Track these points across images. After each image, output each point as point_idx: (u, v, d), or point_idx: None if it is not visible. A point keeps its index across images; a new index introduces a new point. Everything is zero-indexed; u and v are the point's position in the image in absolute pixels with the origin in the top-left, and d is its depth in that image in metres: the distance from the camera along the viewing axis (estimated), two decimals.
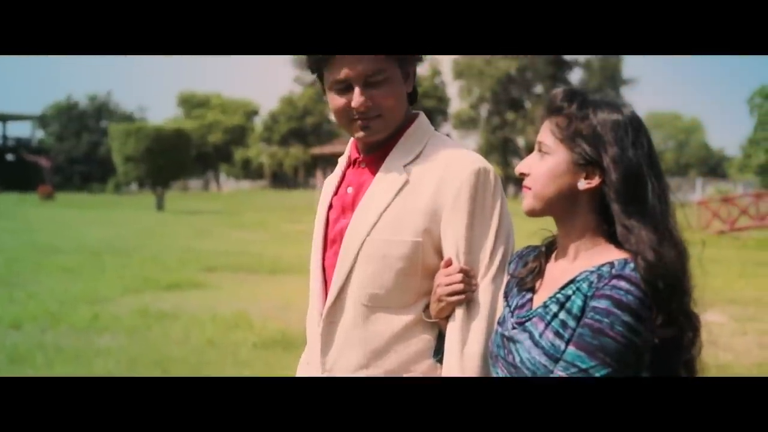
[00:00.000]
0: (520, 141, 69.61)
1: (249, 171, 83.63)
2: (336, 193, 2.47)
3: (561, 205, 2.04)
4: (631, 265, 1.91)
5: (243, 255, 17.18)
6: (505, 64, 66.93)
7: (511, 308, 2.13)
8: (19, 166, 65.68)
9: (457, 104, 72.65)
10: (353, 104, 2.25)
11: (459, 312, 2.21)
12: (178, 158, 41.43)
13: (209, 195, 65.81)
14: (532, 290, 2.12)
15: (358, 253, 2.28)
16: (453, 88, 71.97)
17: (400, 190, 2.27)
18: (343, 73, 2.23)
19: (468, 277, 2.20)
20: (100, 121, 74.22)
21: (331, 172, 2.61)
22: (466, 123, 70.78)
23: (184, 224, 27.61)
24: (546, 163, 2.04)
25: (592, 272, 1.96)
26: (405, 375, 2.27)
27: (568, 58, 69.67)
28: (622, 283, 1.88)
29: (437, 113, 68.52)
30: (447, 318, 2.23)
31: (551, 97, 2.10)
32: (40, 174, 59.74)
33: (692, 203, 29.48)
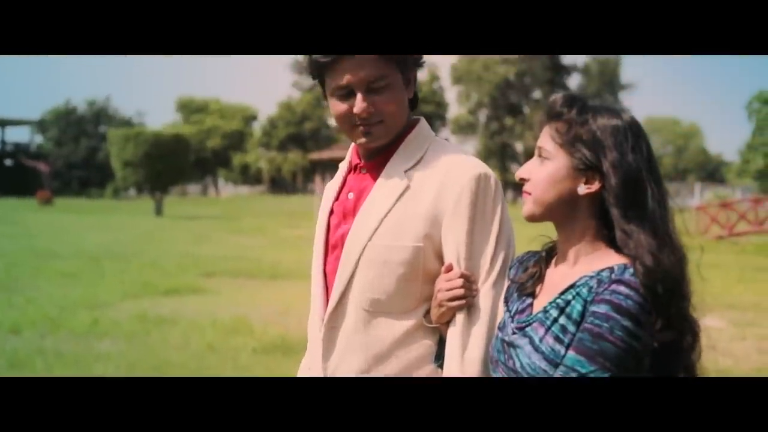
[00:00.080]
0: (519, 146, 69.68)
1: (247, 176, 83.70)
2: (337, 198, 2.47)
3: (561, 210, 2.05)
4: (631, 269, 1.91)
5: (242, 260, 17.18)
6: (504, 70, 67.02)
7: (512, 313, 2.13)
8: (17, 171, 65.67)
9: (455, 109, 72.81)
10: (355, 110, 2.25)
11: (459, 317, 2.21)
12: (176, 163, 41.42)
13: (208, 200, 65.82)
14: (533, 295, 2.13)
15: (359, 259, 2.29)
16: (451, 93, 72.27)
17: (401, 195, 2.27)
18: (345, 79, 2.24)
19: (468, 282, 2.21)
20: (99, 126, 74.33)
21: (330, 177, 2.62)
22: (465, 128, 70.88)
23: (182, 229, 27.60)
24: (546, 168, 2.05)
25: (591, 277, 1.96)
26: None
27: (566, 63, 69.76)
28: (622, 288, 1.88)
29: (435, 118, 68.63)
30: (448, 323, 2.24)
31: (551, 102, 2.11)
32: (38, 179, 59.76)
33: (691, 208, 29.50)
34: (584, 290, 1.96)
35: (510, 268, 2.24)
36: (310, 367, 2.45)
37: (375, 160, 2.37)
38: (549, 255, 2.18)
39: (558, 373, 1.91)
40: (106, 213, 38.15)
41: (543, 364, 1.95)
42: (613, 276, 1.93)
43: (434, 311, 2.25)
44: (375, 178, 2.36)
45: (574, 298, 1.97)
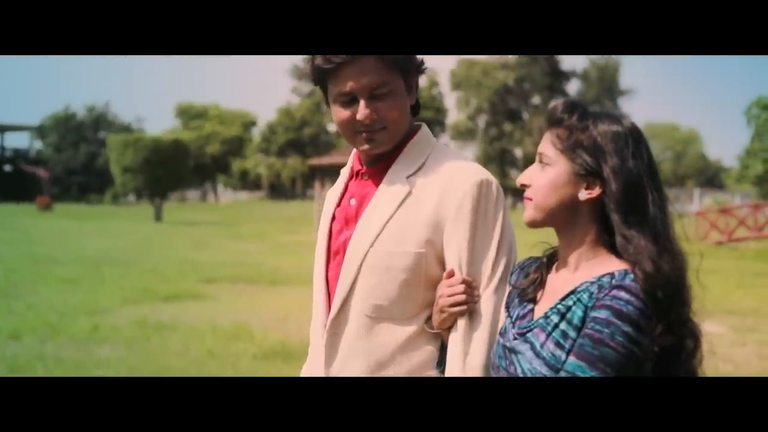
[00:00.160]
0: (518, 152, 69.74)
1: (247, 182, 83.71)
2: (339, 204, 2.47)
3: (562, 216, 2.05)
4: (632, 275, 1.92)
5: (242, 266, 17.17)
6: (503, 75, 67.11)
7: (513, 319, 2.13)
8: (17, 176, 65.65)
9: (454, 115, 72.88)
10: (358, 117, 2.25)
11: (461, 323, 2.21)
12: (176, 169, 41.45)
13: (207, 206, 65.81)
14: (534, 301, 2.13)
15: (361, 265, 2.29)
16: (451, 99, 72.41)
17: (403, 201, 2.28)
18: (348, 85, 2.24)
19: (470, 288, 2.21)
20: (98, 131, 74.31)
21: (329, 183, 2.63)
22: (464, 134, 70.95)
23: (182, 235, 27.60)
24: (547, 174, 2.05)
25: (592, 283, 1.97)
26: None
27: (565, 68, 69.81)
28: (623, 294, 1.89)
29: (435, 124, 68.66)
30: (449, 329, 2.24)
31: (551, 108, 2.11)
32: (38, 185, 59.74)
33: (690, 214, 29.48)
34: (585, 296, 1.96)
35: (511, 274, 2.24)
36: (311, 373, 2.46)
37: (377, 166, 2.38)
38: (550, 261, 2.18)
39: None
40: (105, 219, 38.13)
41: (544, 370, 1.96)
42: (613, 282, 1.93)
43: (436, 317, 2.25)
44: (377, 184, 2.36)
45: (575, 303, 1.97)
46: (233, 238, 26.85)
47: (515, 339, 2.07)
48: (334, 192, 2.53)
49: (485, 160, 63.34)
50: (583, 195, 2.02)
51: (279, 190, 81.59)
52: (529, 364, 1.99)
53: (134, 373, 7.49)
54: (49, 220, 35.16)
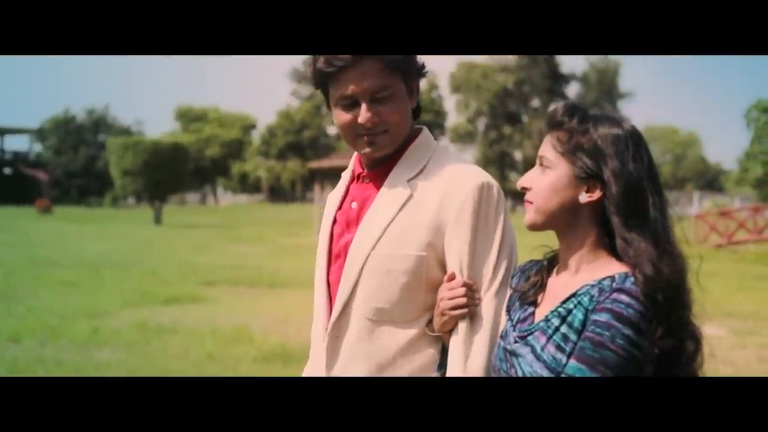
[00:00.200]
0: (518, 155, 69.76)
1: (246, 185, 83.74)
2: (340, 207, 2.47)
3: (563, 219, 2.06)
4: (632, 278, 1.92)
5: (241, 269, 17.17)
6: (502, 78, 67.16)
7: (514, 322, 2.14)
8: (16, 179, 65.64)
9: (454, 118, 72.89)
10: (360, 120, 2.26)
11: (462, 326, 2.22)
12: (175, 172, 41.46)
13: (206, 209, 65.80)
14: (534, 304, 2.13)
15: (362, 268, 2.29)
16: (450, 102, 72.44)
17: (404, 204, 2.28)
18: (350, 89, 2.24)
19: (471, 291, 2.21)
20: (98, 134, 74.40)
21: (329, 185, 2.64)
22: (463, 137, 70.98)
23: (181, 238, 27.60)
24: (547, 177, 2.06)
25: (593, 286, 1.97)
26: None
27: (564, 71, 69.83)
28: (623, 297, 1.89)
29: (434, 127, 68.69)
30: (450, 332, 2.24)
31: (552, 111, 2.11)
32: (37, 187, 59.73)
33: (690, 217, 29.48)
34: (585, 299, 1.96)
35: (512, 277, 2.24)
36: (312, 375, 2.46)
37: (378, 170, 2.38)
38: (550, 264, 2.19)
39: None
40: (105, 222, 38.14)
41: (545, 373, 1.96)
42: (614, 285, 1.93)
43: (437, 320, 2.26)
44: (378, 187, 2.36)
45: (575, 306, 1.98)
46: (233, 241, 26.85)
47: (516, 342, 2.08)
48: (335, 195, 2.54)
49: (485, 163, 63.35)
50: (584, 198, 2.02)
51: (278, 193, 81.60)
52: (529, 367, 1.99)
53: (134, 376, 7.48)
54: (48, 223, 35.16)
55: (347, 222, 2.40)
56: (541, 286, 2.15)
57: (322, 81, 2.31)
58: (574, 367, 1.90)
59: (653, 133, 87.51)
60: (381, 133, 2.29)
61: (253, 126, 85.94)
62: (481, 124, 71.24)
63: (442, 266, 2.27)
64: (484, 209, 2.23)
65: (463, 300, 2.20)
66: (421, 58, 2.38)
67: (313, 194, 42.27)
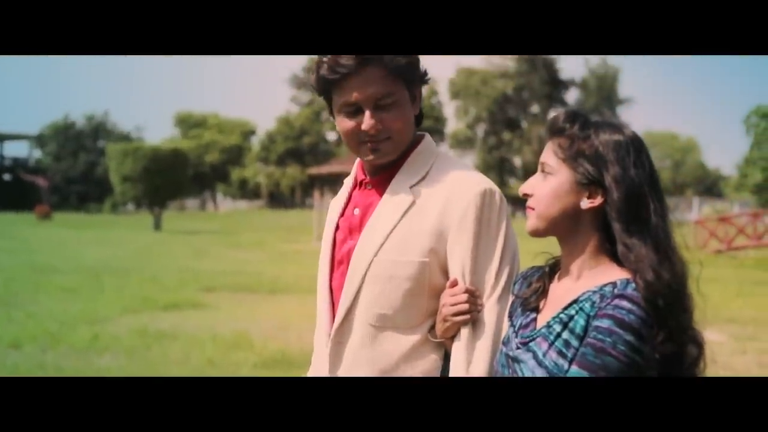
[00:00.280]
0: (517, 160, 69.78)
1: (246, 191, 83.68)
2: (342, 214, 2.48)
3: (564, 225, 2.06)
4: (633, 284, 1.93)
5: (241, 275, 17.16)
6: (502, 84, 67.21)
7: (516, 328, 2.14)
8: (16, 185, 65.61)
9: (453, 124, 72.89)
10: (364, 127, 2.27)
11: (464, 332, 2.22)
12: (175, 178, 41.50)
13: (206, 215, 65.77)
14: (536, 310, 2.14)
15: (365, 274, 2.30)
16: (449, 108, 72.40)
17: (407, 211, 2.29)
18: (354, 96, 2.25)
19: (473, 297, 2.22)
20: (98, 140, 74.37)
21: (329, 191, 2.64)
22: (463, 142, 71.00)
23: (181, 244, 27.59)
24: (549, 183, 2.06)
25: (594, 292, 1.98)
26: None
27: (564, 77, 69.87)
28: (624, 303, 1.90)
29: (434, 133, 68.64)
30: (453, 338, 2.25)
31: (553, 118, 2.12)
32: (37, 194, 59.72)
33: (689, 222, 29.48)
34: (587, 305, 1.97)
35: (514, 284, 2.25)
36: None
37: (380, 176, 2.39)
38: (552, 270, 2.19)
39: None
40: (104, 228, 38.12)
41: None
42: (615, 291, 1.94)
43: (439, 326, 2.26)
44: (380, 193, 2.37)
45: (577, 313, 1.98)
46: (233, 247, 26.84)
47: (518, 348, 2.08)
48: (337, 202, 2.54)
49: (484, 169, 63.27)
50: (585, 204, 2.02)
51: (278, 199, 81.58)
52: (531, 373, 2.00)
53: None
54: (48, 229, 35.14)
55: (350, 228, 2.41)
56: (543, 292, 2.15)
57: (325, 88, 2.32)
58: (575, 373, 1.90)
59: (652, 138, 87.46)
60: (384, 140, 2.30)
61: (252, 132, 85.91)
62: (481, 130, 71.27)
63: (445, 272, 2.28)
64: (486, 215, 2.24)
65: (466, 306, 2.21)
66: (423, 65, 2.40)
67: (312, 200, 42.27)
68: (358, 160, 2.47)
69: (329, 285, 2.44)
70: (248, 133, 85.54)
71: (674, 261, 1.96)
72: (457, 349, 2.23)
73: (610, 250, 2.03)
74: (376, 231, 2.31)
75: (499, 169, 67.21)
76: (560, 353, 1.96)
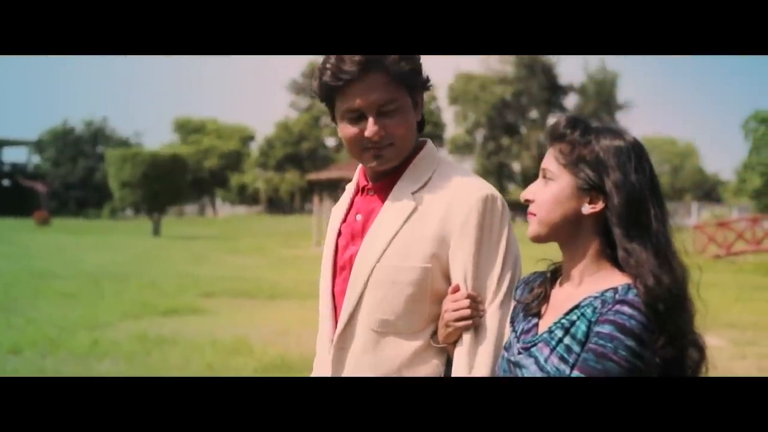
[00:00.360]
0: (516, 166, 69.77)
1: (245, 196, 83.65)
2: (345, 220, 2.49)
3: (566, 230, 2.07)
4: (635, 290, 1.93)
5: (241, 280, 17.15)
6: (501, 90, 67.23)
7: (517, 333, 2.15)
8: (15, 191, 65.52)
9: (452, 129, 72.89)
10: (367, 134, 2.27)
11: (466, 337, 2.23)
12: (174, 183, 41.45)
13: (205, 220, 65.73)
14: (538, 315, 2.14)
15: (367, 280, 2.31)
16: (448, 114, 72.30)
17: (409, 217, 2.30)
18: (357, 102, 2.26)
19: (475, 302, 2.23)
20: (96, 146, 74.32)
21: (328, 197, 2.64)
22: (462, 148, 71.00)
23: (180, 249, 27.58)
24: (550, 189, 2.07)
25: (596, 298, 1.98)
26: None
27: (562, 83, 69.88)
28: (625, 309, 1.91)
29: (433, 138, 68.39)
30: (455, 343, 2.26)
31: (554, 124, 2.13)
32: (35, 199, 59.68)
33: (688, 228, 29.48)
34: (588, 311, 1.98)
35: (516, 289, 2.26)
36: None
37: (382, 182, 2.40)
38: (554, 275, 2.20)
39: None
40: (103, 233, 38.10)
41: None
42: (617, 296, 1.95)
43: (441, 331, 2.27)
44: (383, 199, 2.38)
45: (578, 318, 1.99)
46: (232, 252, 26.83)
47: (519, 353, 2.09)
48: (339, 207, 2.55)
49: (483, 174, 63.04)
50: (587, 209, 2.03)
51: (277, 205, 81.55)
52: None
53: None
54: (47, 235, 35.11)
55: (352, 234, 2.42)
56: (545, 298, 2.16)
57: (328, 94, 2.32)
58: None
59: (651, 143, 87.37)
60: (387, 146, 2.30)
61: (251, 137, 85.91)
62: (479, 135, 71.30)
63: (447, 278, 2.29)
64: (488, 221, 2.25)
65: (468, 311, 2.21)
66: (424, 71, 2.40)
67: (311, 206, 42.28)
68: (360, 166, 2.47)
69: (331, 291, 2.44)
70: (247, 138, 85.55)
71: (674, 266, 1.97)
72: (459, 354, 2.23)
73: (611, 256, 2.04)
74: (379, 237, 2.32)
75: (497, 174, 67.15)
76: (562, 358, 1.97)
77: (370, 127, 2.26)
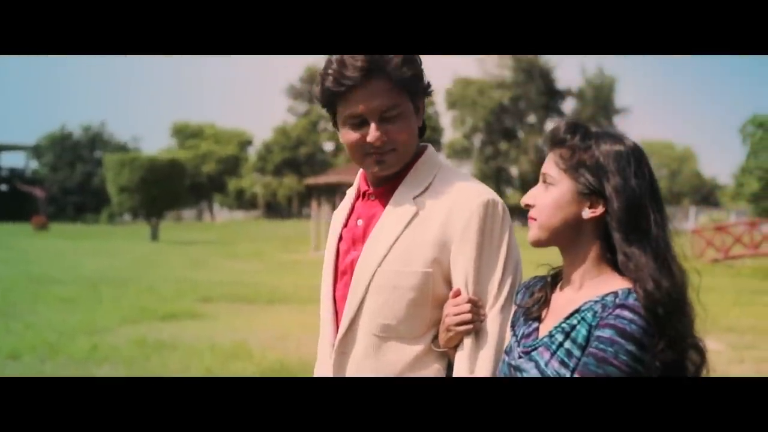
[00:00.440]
0: (514, 170, 69.72)
1: (242, 201, 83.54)
2: (346, 225, 2.49)
3: (566, 235, 2.08)
4: (635, 294, 1.94)
5: (239, 285, 17.13)
6: (498, 94, 67.21)
7: (518, 338, 2.15)
8: (12, 196, 65.51)
9: (450, 134, 72.83)
10: (369, 139, 2.28)
11: (467, 341, 2.24)
12: (172, 188, 41.46)
13: (203, 225, 65.65)
14: (539, 320, 2.15)
15: (369, 285, 2.31)
16: (446, 118, 72.19)
17: (410, 221, 2.30)
18: (359, 108, 2.26)
19: (476, 307, 2.24)
20: (94, 151, 74.29)
21: (326, 202, 2.65)
22: (460, 153, 70.92)
23: (179, 254, 27.55)
24: (551, 193, 2.08)
25: (596, 302, 1.99)
26: None
27: (560, 87, 69.88)
28: (626, 313, 1.91)
29: (431, 143, 68.41)
30: (456, 347, 2.26)
31: (554, 129, 2.14)
32: (33, 204, 59.65)
33: (686, 232, 29.49)
34: (589, 315, 1.98)
35: (516, 293, 2.26)
36: None
37: (383, 187, 2.40)
38: (554, 280, 2.20)
39: None
40: (101, 238, 38.06)
41: None
42: (617, 301, 1.95)
43: (442, 336, 2.28)
44: (384, 204, 2.38)
45: (579, 322, 1.99)
46: (230, 257, 26.81)
47: (520, 357, 2.09)
48: (340, 212, 2.56)
49: (481, 179, 61.47)
50: (587, 214, 2.04)
51: (275, 210, 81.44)
52: None
53: None
54: (45, 240, 35.08)
55: (353, 239, 2.42)
56: (545, 302, 2.16)
57: (330, 100, 2.33)
58: None
59: (649, 148, 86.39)
60: (389, 151, 2.31)
61: (249, 142, 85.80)
62: (477, 140, 71.21)
63: (448, 282, 2.29)
64: (489, 226, 2.26)
65: (469, 316, 2.22)
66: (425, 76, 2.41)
67: (309, 210, 42.22)
68: (360, 171, 2.48)
69: (332, 295, 2.45)
70: (245, 143, 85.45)
71: (674, 270, 1.98)
72: (460, 358, 2.24)
73: (611, 260, 2.05)
74: (380, 242, 2.32)
75: (495, 178, 67.02)
76: (562, 363, 1.98)
77: (373, 133, 2.27)
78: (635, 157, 2.03)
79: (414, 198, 2.34)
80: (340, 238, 2.49)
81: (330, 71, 2.27)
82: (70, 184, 71.30)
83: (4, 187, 68.40)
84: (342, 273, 2.43)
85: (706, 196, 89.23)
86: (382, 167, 2.33)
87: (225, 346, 9.81)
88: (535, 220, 2.11)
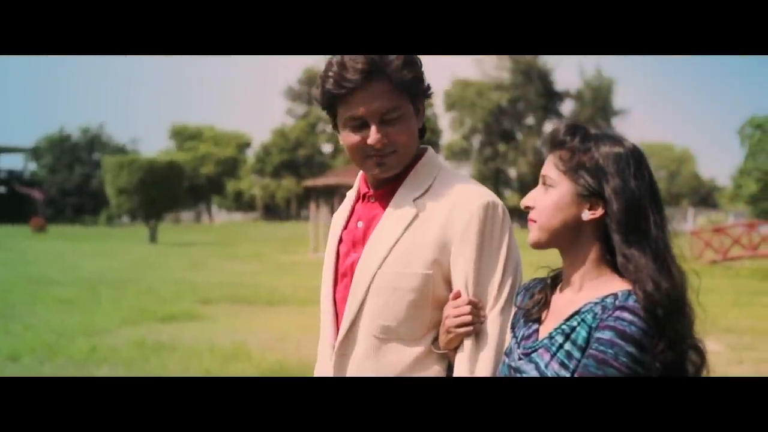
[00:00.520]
0: (512, 172, 69.70)
1: (241, 203, 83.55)
2: (346, 227, 2.49)
3: (566, 237, 2.08)
4: (635, 296, 1.94)
5: (238, 286, 17.11)
6: (497, 96, 67.18)
7: (518, 339, 2.16)
8: (11, 198, 65.46)
9: (449, 135, 72.81)
10: (370, 141, 2.28)
11: (467, 343, 2.24)
12: (170, 190, 41.39)
13: (201, 227, 65.63)
14: (539, 321, 2.15)
15: (369, 286, 2.31)
16: (445, 120, 72.16)
17: (410, 223, 2.31)
18: (360, 110, 2.27)
19: (476, 308, 2.24)
20: (93, 153, 74.29)
21: (324, 203, 2.65)
22: (458, 154, 70.90)
23: (177, 256, 27.53)
24: (550, 195, 2.08)
25: (596, 304, 1.99)
26: None
27: (558, 89, 69.87)
28: (626, 315, 1.92)
29: (429, 145, 68.46)
30: (456, 349, 2.27)
31: (554, 131, 2.14)
32: (32, 206, 59.59)
33: (685, 233, 29.48)
34: (589, 316, 1.99)
35: (516, 295, 2.27)
36: None
37: (384, 189, 2.41)
38: (554, 281, 2.21)
39: None
40: (100, 240, 38.03)
41: None
42: (617, 302, 1.96)
43: (442, 337, 2.28)
44: (384, 206, 2.39)
45: (579, 324, 2.00)
46: (229, 258, 26.78)
47: (520, 359, 2.10)
48: (340, 214, 2.56)
49: (480, 180, 61.59)
50: (586, 215, 2.04)
51: (273, 211, 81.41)
52: None
53: None
54: (43, 242, 35.06)
55: (353, 241, 2.43)
56: (545, 304, 2.17)
57: (330, 103, 2.33)
58: None
59: (647, 149, 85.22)
60: (390, 153, 2.31)
61: (248, 144, 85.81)
62: (476, 141, 71.20)
63: (448, 284, 2.29)
64: (489, 228, 2.26)
65: (469, 317, 2.22)
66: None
67: (308, 212, 42.20)
68: (360, 173, 2.48)
69: (333, 297, 2.45)
70: (243, 145, 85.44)
71: (673, 271, 1.98)
72: (460, 360, 2.25)
73: (611, 261, 2.05)
74: (380, 244, 2.33)
75: (494, 180, 66.96)
76: (562, 364, 1.98)
77: (373, 135, 2.27)
78: (635, 159, 2.04)
79: (414, 200, 2.34)
80: (340, 240, 2.49)
81: (330, 74, 2.27)
82: (68, 186, 71.29)
83: (2, 189, 68.33)
84: (342, 275, 2.44)
85: (705, 197, 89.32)
86: (383, 169, 2.34)
87: (224, 348, 9.80)
88: (535, 221, 2.11)
